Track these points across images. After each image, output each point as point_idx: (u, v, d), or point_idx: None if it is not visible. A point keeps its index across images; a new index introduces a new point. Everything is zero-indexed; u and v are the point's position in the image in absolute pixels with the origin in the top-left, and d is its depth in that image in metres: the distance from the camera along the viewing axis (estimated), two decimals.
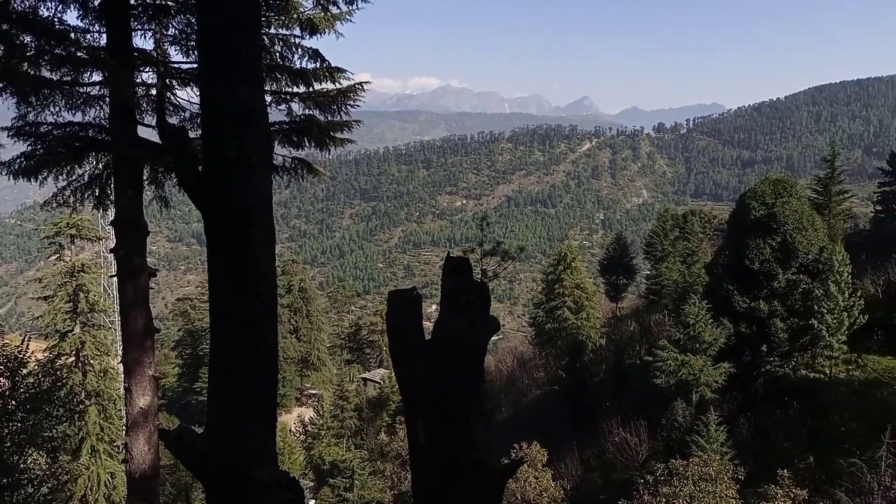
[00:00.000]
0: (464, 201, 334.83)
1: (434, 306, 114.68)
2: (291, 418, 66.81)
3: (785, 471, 24.02)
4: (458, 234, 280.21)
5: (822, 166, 55.49)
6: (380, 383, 63.84)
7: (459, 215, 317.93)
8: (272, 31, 12.46)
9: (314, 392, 75.23)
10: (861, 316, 35.49)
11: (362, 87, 13.25)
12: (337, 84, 13.04)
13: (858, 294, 36.33)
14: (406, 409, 4.56)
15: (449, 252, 5.09)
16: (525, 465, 32.17)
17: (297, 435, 58.19)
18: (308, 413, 61.82)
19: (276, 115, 12.44)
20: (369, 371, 78.78)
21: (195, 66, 11.75)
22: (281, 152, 13.19)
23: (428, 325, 4.26)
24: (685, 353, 37.28)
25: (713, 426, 31.94)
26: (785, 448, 33.54)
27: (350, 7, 12.27)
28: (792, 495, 22.06)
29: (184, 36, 12.07)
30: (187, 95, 12.86)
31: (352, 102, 13.22)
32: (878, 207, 54.14)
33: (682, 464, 25.10)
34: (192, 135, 7.27)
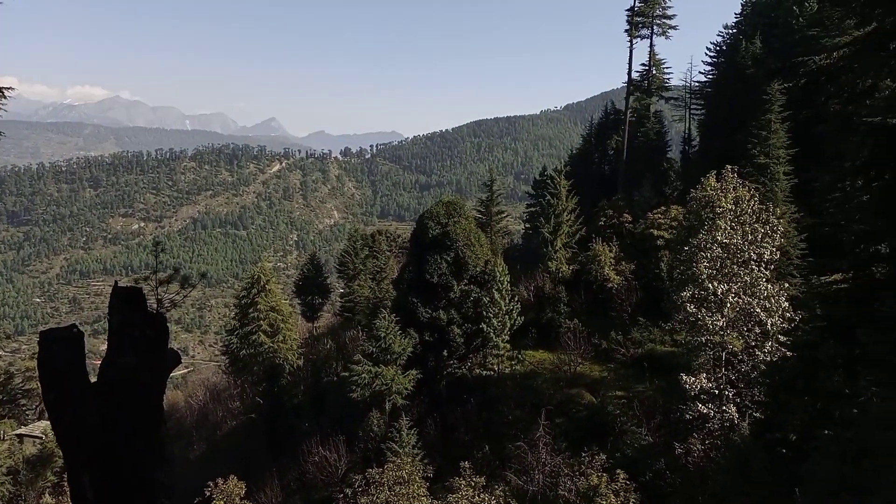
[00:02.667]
0: (142, 224, 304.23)
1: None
2: None
3: (466, 462, 26.64)
4: (137, 260, 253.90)
5: (483, 190, 63.85)
6: (41, 438, 53.86)
7: (137, 239, 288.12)
8: None
9: None
10: (519, 318, 41.67)
11: (2, 92, 11.09)
12: None
13: (516, 299, 42.59)
14: (68, 464, 3.89)
15: (117, 282, 4.50)
16: (221, 502, 30.19)
17: None
18: None
19: None
20: (26, 425, 65.85)
21: None
22: None
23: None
24: (378, 365, 39.14)
25: (405, 431, 34.06)
26: (466, 441, 37.41)
27: None
28: (472, 484, 24.57)
29: None
30: None
31: None
32: (527, 225, 64.30)
33: (378, 471, 26.17)
34: None
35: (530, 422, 34.99)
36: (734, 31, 63.63)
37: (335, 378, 49.38)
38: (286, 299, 69.28)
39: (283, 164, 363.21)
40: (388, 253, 65.99)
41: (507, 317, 40.79)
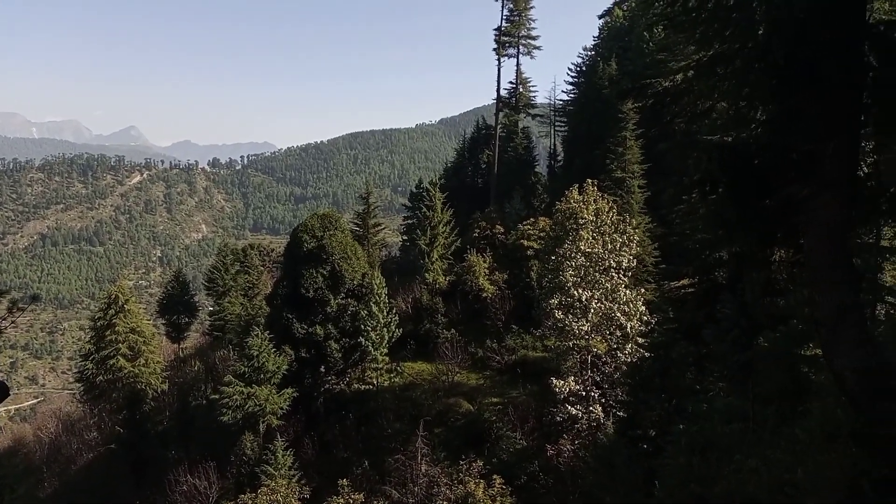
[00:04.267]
0: None
1: None
2: None
3: (344, 479, 26.16)
4: None
5: (360, 202, 63.35)
6: None
7: None
8: None
9: None
10: (397, 330, 41.63)
11: None
12: None
13: (394, 311, 42.54)
14: None
15: None
16: None
17: None
18: None
19: None
20: None
21: None
22: None
23: None
24: (251, 386, 37.55)
25: (280, 452, 32.86)
26: (345, 458, 36.74)
27: None
28: (351, 501, 24.15)
29: None
30: None
31: None
32: (404, 237, 64.60)
33: (252, 496, 25.08)
34: None
35: (410, 434, 35.02)
36: (592, 53, 68.14)
37: (204, 401, 46.73)
38: (149, 319, 64.66)
39: (145, 175, 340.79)
40: (261, 268, 63.74)
41: (385, 329, 40.65)
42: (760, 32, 9.10)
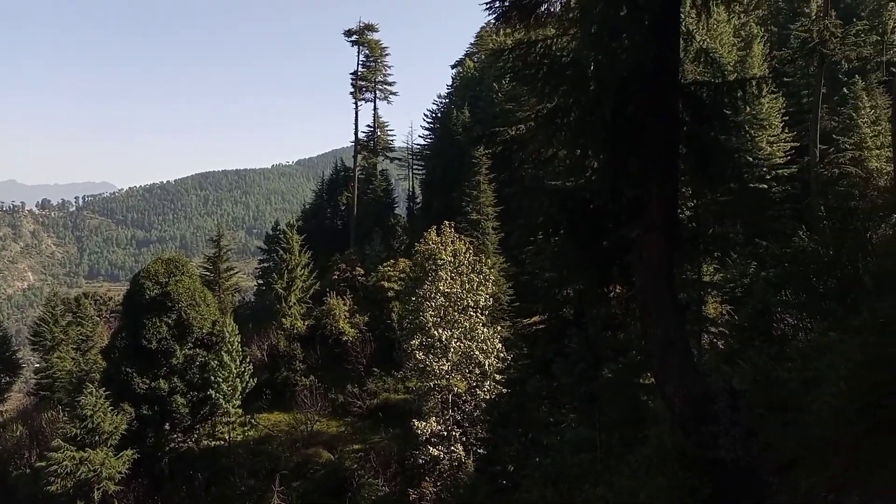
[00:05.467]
0: None
1: None
2: None
3: None
4: None
5: (211, 246, 60.27)
6: None
7: None
8: None
9: None
10: (252, 379, 39.58)
11: None
12: None
13: (248, 360, 40.49)
14: None
15: None
16: None
17: None
18: None
19: None
20: None
21: None
22: None
23: None
24: (84, 449, 33.70)
25: None
26: None
27: None
28: None
29: None
30: None
31: None
32: (260, 281, 62.20)
33: None
34: None
35: (265, 490, 33.19)
36: (447, 100, 70.90)
37: (27, 470, 41.22)
38: None
39: None
40: (97, 318, 58.33)
41: (238, 380, 38.47)
42: (592, 88, 9.94)
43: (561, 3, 11.77)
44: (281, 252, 50.25)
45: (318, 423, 39.08)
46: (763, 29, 47.30)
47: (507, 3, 11.76)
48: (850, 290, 15.41)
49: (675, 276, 11.38)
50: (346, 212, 66.30)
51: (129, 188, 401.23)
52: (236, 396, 38.19)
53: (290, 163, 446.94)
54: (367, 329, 46.29)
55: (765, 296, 16.08)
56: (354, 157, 65.25)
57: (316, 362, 45.16)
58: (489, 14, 11.89)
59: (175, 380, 38.12)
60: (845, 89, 42.56)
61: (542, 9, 11.82)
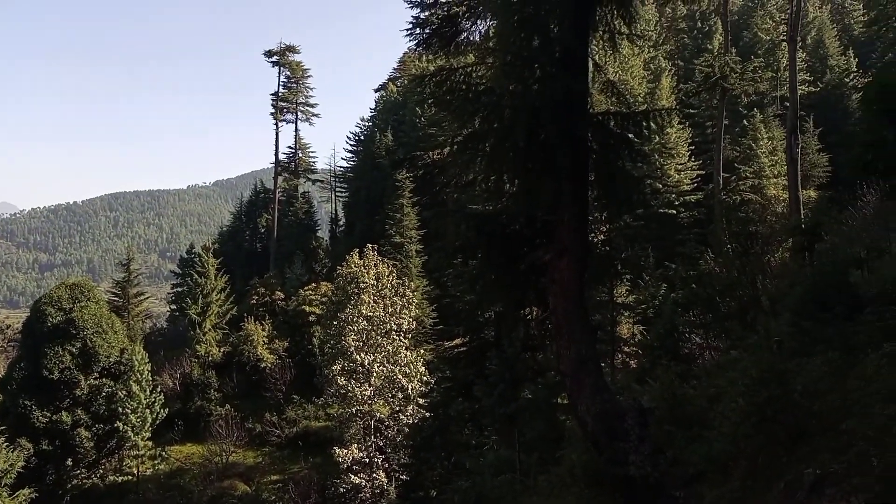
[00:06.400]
0: None
1: None
2: None
3: None
4: None
5: (120, 270, 57.30)
6: None
7: None
8: None
9: None
10: (163, 410, 37.68)
11: None
12: None
13: (159, 389, 38.59)
14: None
15: None
16: None
17: None
18: None
19: None
20: None
21: None
22: None
23: None
24: None
25: None
26: None
27: None
28: None
29: None
30: None
31: None
32: (173, 307, 59.44)
33: None
34: None
35: None
36: (370, 123, 70.92)
37: None
38: None
39: None
40: None
41: (147, 410, 36.52)
42: (507, 116, 10.23)
43: (480, 32, 12.11)
44: (196, 276, 48.41)
45: (233, 454, 37.58)
46: (671, 63, 50.25)
47: (427, 31, 11.98)
48: (749, 310, 16.42)
49: (588, 298, 11.76)
50: (266, 234, 64.82)
51: (32, 209, 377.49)
52: (146, 428, 36.26)
53: (208, 184, 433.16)
54: (286, 355, 45.11)
55: (673, 316, 16.84)
56: (275, 178, 64.07)
57: (232, 390, 43.54)
58: (411, 40, 12.08)
59: (79, 412, 35.86)
60: (745, 121, 45.73)
61: (462, 37, 12.12)
